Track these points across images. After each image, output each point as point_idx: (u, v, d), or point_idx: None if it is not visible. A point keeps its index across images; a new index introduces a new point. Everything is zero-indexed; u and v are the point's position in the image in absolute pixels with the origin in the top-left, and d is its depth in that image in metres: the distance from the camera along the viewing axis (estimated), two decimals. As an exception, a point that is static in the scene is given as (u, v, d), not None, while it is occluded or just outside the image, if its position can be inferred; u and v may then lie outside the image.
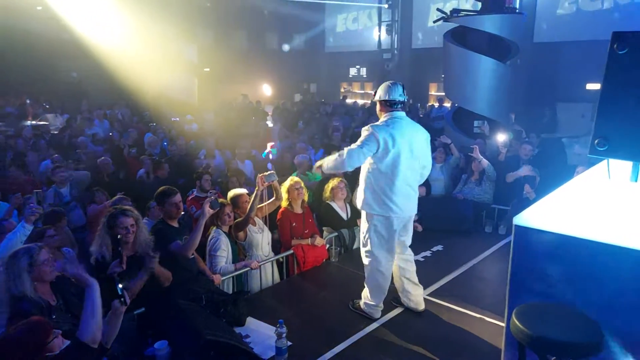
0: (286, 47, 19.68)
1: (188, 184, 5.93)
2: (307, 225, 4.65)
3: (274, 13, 18.65)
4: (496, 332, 3.38)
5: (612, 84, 2.17)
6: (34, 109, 12.06)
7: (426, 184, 6.28)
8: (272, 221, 4.60)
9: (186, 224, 4.16)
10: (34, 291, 2.58)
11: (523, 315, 1.99)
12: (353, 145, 3.46)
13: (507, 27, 8.16)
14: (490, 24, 8.11)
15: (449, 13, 8.76)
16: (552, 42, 13.15)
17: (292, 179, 4.71)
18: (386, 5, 17.90)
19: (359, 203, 3.68)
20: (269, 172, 4.17)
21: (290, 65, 19.55)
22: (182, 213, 3.74)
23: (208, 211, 3.50)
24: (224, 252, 4.00)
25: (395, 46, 17.95)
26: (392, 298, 3.87)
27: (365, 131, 3.47)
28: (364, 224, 3.70)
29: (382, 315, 3.72)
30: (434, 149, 6.37)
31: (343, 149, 3.52)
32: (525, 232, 2.19)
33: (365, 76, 19.67)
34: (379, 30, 18.37)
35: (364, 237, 3.68)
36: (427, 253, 5.06)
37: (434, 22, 9.61)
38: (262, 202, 4.37)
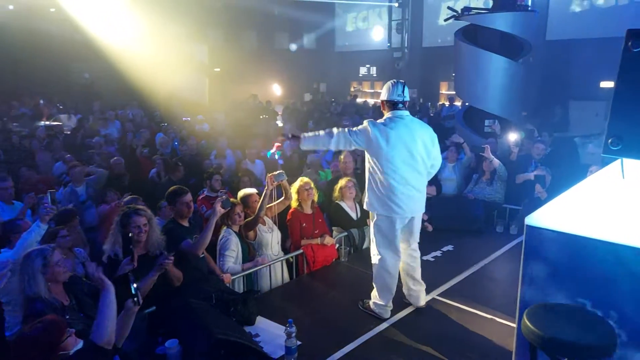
0: (293, 47, 19.68)
1: (199, 183, 5.96)
2: (317, 226, 4.65)
3: (284, 13, 18.67)
4: (507, 333, 3.35)
5: (626, 82, 2.14)
6: (48, 110, 12.22)
7: (437, 184, 6.25)
8: (282, 221, 4.61)
9: (197, 224, 4.20)
10: (48, 292, 2.62)
11: (535, 316, 1.96)
12: (346, 129, 3.52)
13: (519, 25, 8.07)
14: (502, 21, 8.03)
15: (460, 11, 8.70)
16: (565, 39, 12.96)
17: (302, 179, 4.71)
18: (396, 4, 17.85)
19: (364, 203, 3.72)
20: (278, 172, 4.18)
21: (300, 65, 19.56)
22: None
23: (219, 210, 3.55)
24: (233, 252, 4.02)
25: (406, 45, 17.90)
26: (403, 296, 3.89)
27: (363, 123, 3.53)
28: (370, 224, 3.74)
29: (392, 315, 3.71)
30: (445, 148, 6.34)
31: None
32: (537, 233, 2.17)
33: (375, 75, 19.63)
34: (390, 29, 18.31)
35: (371, 236, 3.72)
36: (438, 253, 5.04)
37: (445, 20, 9.54)
38: (272, 202, 4.38)
